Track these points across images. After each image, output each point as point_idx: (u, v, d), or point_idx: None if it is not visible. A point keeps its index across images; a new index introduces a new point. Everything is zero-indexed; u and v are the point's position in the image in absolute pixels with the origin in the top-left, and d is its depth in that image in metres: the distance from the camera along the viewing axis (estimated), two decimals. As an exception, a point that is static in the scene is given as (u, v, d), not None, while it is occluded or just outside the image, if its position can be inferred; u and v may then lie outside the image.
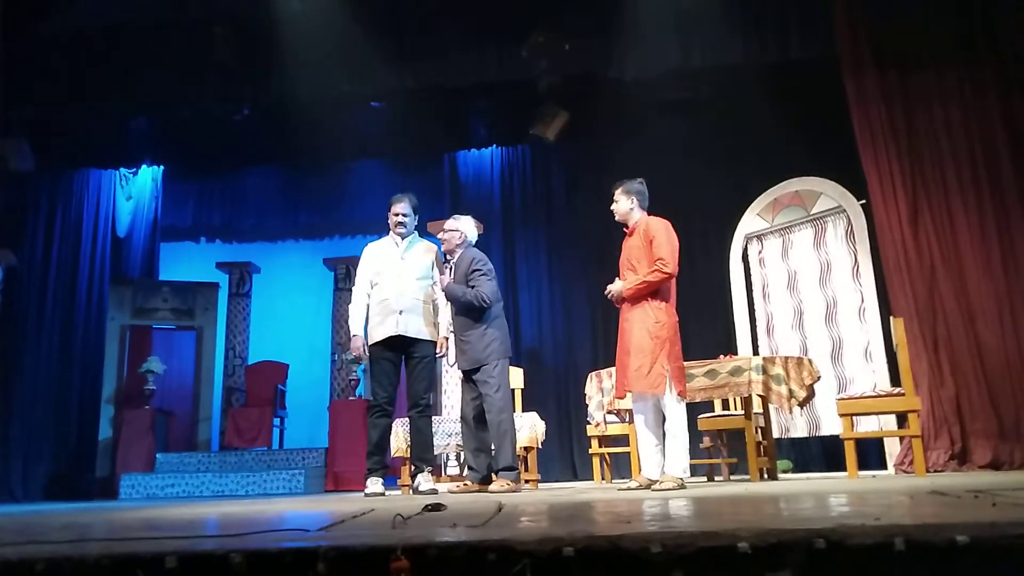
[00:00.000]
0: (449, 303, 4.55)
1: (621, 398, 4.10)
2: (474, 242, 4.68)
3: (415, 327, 4.41)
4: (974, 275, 5.07)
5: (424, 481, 4.34)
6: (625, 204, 3.97)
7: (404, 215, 4.55)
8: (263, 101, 7.18)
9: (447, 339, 4.57)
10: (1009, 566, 1.09)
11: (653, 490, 3.54)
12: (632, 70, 6.49)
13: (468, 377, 4.47)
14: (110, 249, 8.34)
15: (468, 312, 4.39)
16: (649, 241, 3.81)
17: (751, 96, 6.59)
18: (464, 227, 4.63)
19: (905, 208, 5.29)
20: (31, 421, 7.50)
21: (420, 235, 4.80)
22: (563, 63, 6.68)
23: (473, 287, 4.37)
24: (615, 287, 3.87)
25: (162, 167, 8.86)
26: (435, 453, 4.94)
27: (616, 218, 4.05)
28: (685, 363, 4.66)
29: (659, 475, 3.76)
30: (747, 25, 6.18)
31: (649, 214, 3.98)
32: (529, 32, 6.51)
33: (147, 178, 8.89)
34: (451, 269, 4.56)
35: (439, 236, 4.68)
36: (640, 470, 3.94)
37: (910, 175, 5.33)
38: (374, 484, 4.34)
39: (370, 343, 4.45)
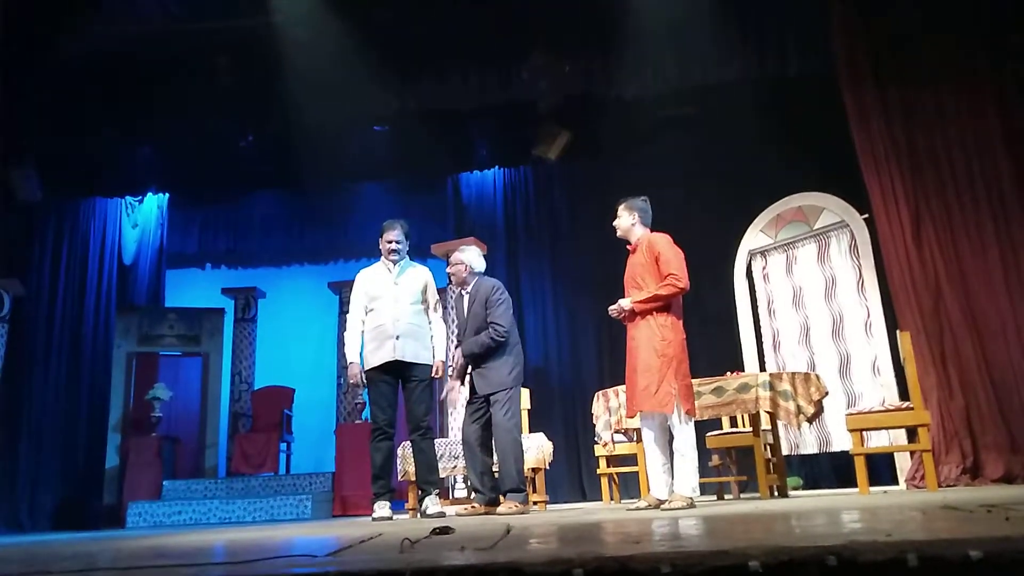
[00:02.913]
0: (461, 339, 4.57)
1: (631, 417, 4.08)
2: (482, 271, 4.69)
3: (412, 351, 4.42)
4: (978, 288, 5.05)
5: (431, 504, 4.32)
6: (627, 220, 3.99)
7: (397, 242, 4.59)
8: (267, 127, 7.27)
9: (443, 362, 4.58)
10: (1024, 581, 1.08)
11: (662, 509, 3.51)
12: (632, 88, 6.55)
13: (475, 398, 4.46)
14: (116, 277, 8.40)
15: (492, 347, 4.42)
16: (654, 258, 3.81)
17: (752, 112, 6.63)
18: (468, 258, 4.66)
19: (908, 222, 5.28)
20: (38, 450, 7.51)
21: (425, 257, 4.84)
22: (563, 83, 6.74)
23: (489, 318, 4.40)
24: (624, 303, 3.86)
25: (168, 194, 8.94)
26: (442, 476, 4.92)
27: (617, 234, 4.06)
28: (692, 380, 4.65)
29: (668, 494, 3.73)
30: (745, 42, 6.24)
31: (652, 231, 4.00)
32: (529, 54, 6.57)
33: (153, 205, 8.97)
34: (469, 299, 4.58)
35: (447, 271, 4.73)
36: (649, 490, 3.91)
37: (912, 190, 5.33)
38: (381, 508, 4.32)
39: (367, 368, 4.46)
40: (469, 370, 4.56)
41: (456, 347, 4.68)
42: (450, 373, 4.71)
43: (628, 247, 4.04)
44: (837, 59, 5.76)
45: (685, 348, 3.82)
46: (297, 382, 8.80)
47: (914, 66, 5.49)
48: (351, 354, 4.51)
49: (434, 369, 4.51)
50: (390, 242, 4.58)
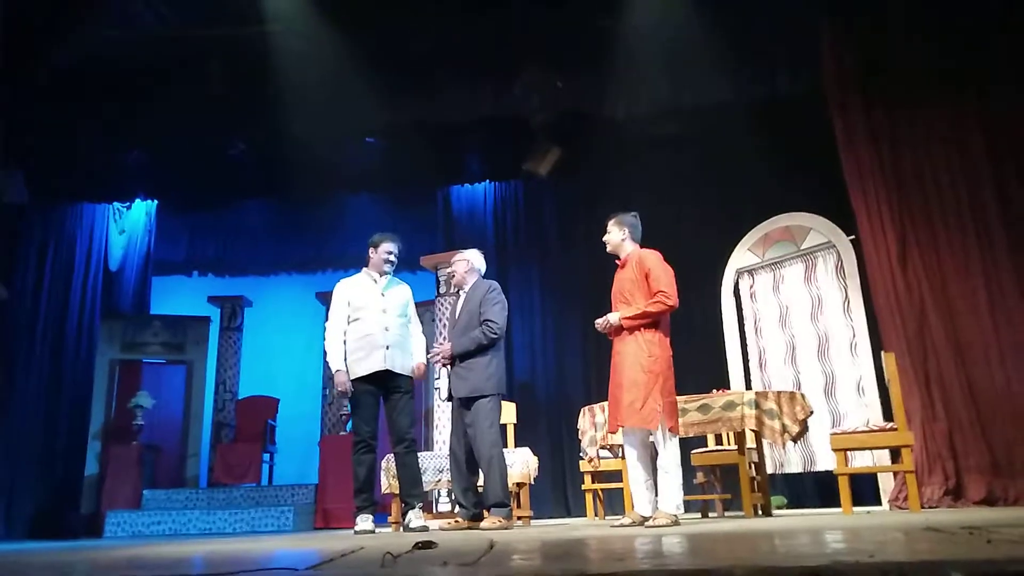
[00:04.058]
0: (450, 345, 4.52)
1: (613, 432, 4.07)
2: (482, 270, 4.68)
3: (400, 362, 4.43)
4: (962, 311, 5.10)
5: (415, 518, 4.29)
6: (617, 235, 4.01)
7: (396, 256, 4.61)
8: (258, 136, 7.25)
9: (424, 364, 4.55)
10: (1004, 604, 1.08)
11: (647, 527, 3.50)
12: (623, 107, 6.60)
13: (461, 408, 4.43)
14: (102, 283, 8.33)
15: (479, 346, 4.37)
16: (644, 274, 3.82)
17: (741, 132, 6.68)
18: (471, 255, 4.67)
19: (894, 244, 5.33)
20: (17, 457, 7.40)
21: (415, 269, 4.83)
22: (555, 100, 6.78)
23: (483, 316, 4.36)
24: (611, 317, 3.86)
25: (156, 201, 8.88)
26: (426, 489, 4.90)
27: (607, 249, 4.08)
28: (678, 398, 4.66)
29: (651, 511, 3.72)
30: (735, 63, 6.31)
31: (642, 247, 4.02)
32: (522, 70, 6.61)
33: (141, 212, 8.91)
34: (464, 298, 4.55)
35: (448, 271, 4.72)
36: (632, 506, 3.90)
37: (898, 211, 5.39)
38: (364, 521, 4.29)
39: (351, 378, 4.43)
40: (449, 367, 4.52)
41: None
42: (437, 346, 4.62)
43: (617, 262, 4.06)
44: (825, 81, 5.83)
45: (671, 365, 3.83)
46: (282, 392, 8.73)
47: (901, 89, 5.56)
48: (337, 362, 4.46)
49: (415, 369, 4.48)
50: (390, 253, 4.58)
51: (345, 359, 4.46)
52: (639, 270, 3.86)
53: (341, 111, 6.78)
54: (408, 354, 4.51)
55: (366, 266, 4.66)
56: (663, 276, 3.79)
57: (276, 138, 7.13)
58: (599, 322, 3.91)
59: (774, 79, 6.30)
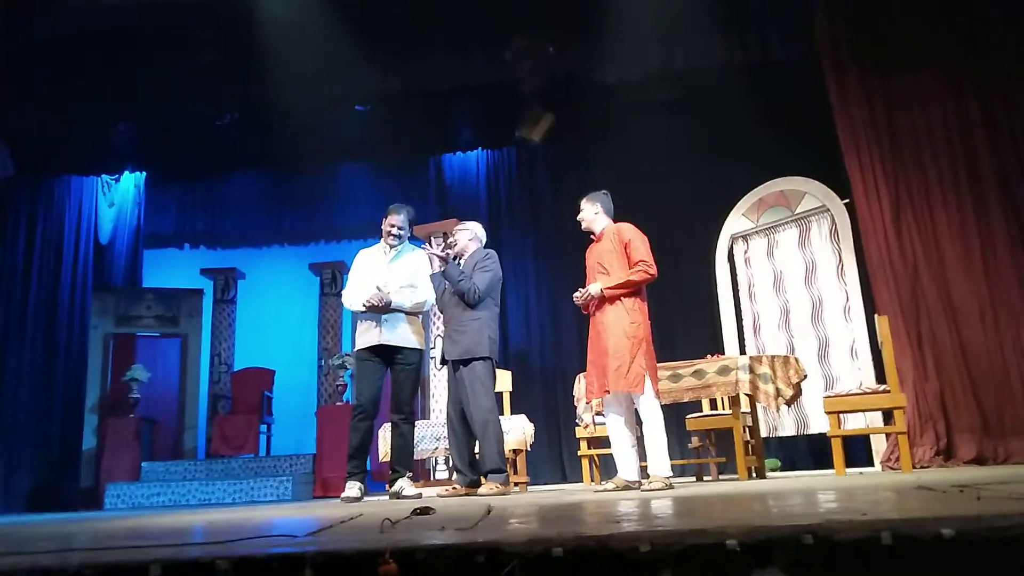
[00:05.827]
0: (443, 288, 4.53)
1: (589, 402, 4.13)
2: (483, 241, 4.70)
3: (397, 336, 4.42)
4: (956, 273, 5.12)
5: (407, 486, 4.35)
6: (590, 211, 4.09)
7: (399, 227, 4.60)
8: (247, 106, 7.15)
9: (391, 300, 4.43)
10: (994, 558, 1.10)
11: (642, 490, 3.54)
12: (616, 72, 6.52)
13: (454, 372, 4.43)
14: (92, 256, 8.27)
15: (463, 301, 4.37)
16: (623, 244, 3.89)
17: (735, 97, 6.62)
18: (472, 226, 4.69)
19: (888, 207, 5.33)
20: (13, 431, 7.41)
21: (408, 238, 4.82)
22: (547, 65, 6.69)
23: (473, 279, 4.38)
24: (592, 288, 3.90)
25: (145, 173, 8.79)
26: (423, 457, 4.95)
27: (582, 227, 4.16)
28: (673, 363, 4.70)
29: (636, 476, 3.77)
30: (728, 27, 6.23)
31: (624, 219, 4.06)
32: (513, 35, 6.52)
33: (129, 184, 8.82)
34: (461, 266, 4.55)
35: (451, 240, 4.73)
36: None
37: (892, 175, 5.38)
38: (351, 488, 4.30)
39: (356, 348, 4.50)
40: (440, 333, 4.53)
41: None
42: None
43: (592, 237, 4.10)
44: (820, 44, 5.77)
45: (650, 332, 3.87)
46: (277, 364, 8.74)
47: (896, 52, 5.51)
48: (363, 299, 4.37)
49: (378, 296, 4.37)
50: (393, 226, 4.58)
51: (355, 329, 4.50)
52: (617, 240, 3.92)
53: (331, 79, 6.68)
54: (412, 326, 4.49)
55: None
56: (642, 247, 3.87)
57: (266, 108, 7.03)
58: (578, 295, 3.96)
59: (768, 42, 6.22)
